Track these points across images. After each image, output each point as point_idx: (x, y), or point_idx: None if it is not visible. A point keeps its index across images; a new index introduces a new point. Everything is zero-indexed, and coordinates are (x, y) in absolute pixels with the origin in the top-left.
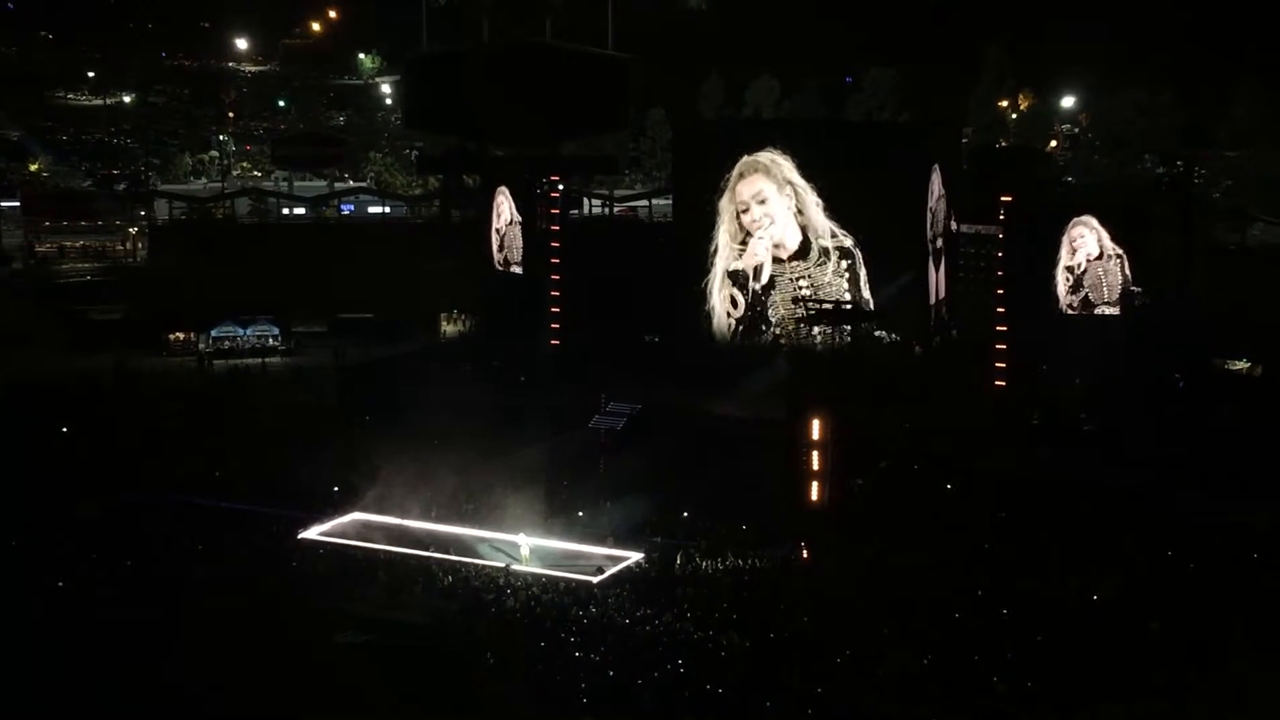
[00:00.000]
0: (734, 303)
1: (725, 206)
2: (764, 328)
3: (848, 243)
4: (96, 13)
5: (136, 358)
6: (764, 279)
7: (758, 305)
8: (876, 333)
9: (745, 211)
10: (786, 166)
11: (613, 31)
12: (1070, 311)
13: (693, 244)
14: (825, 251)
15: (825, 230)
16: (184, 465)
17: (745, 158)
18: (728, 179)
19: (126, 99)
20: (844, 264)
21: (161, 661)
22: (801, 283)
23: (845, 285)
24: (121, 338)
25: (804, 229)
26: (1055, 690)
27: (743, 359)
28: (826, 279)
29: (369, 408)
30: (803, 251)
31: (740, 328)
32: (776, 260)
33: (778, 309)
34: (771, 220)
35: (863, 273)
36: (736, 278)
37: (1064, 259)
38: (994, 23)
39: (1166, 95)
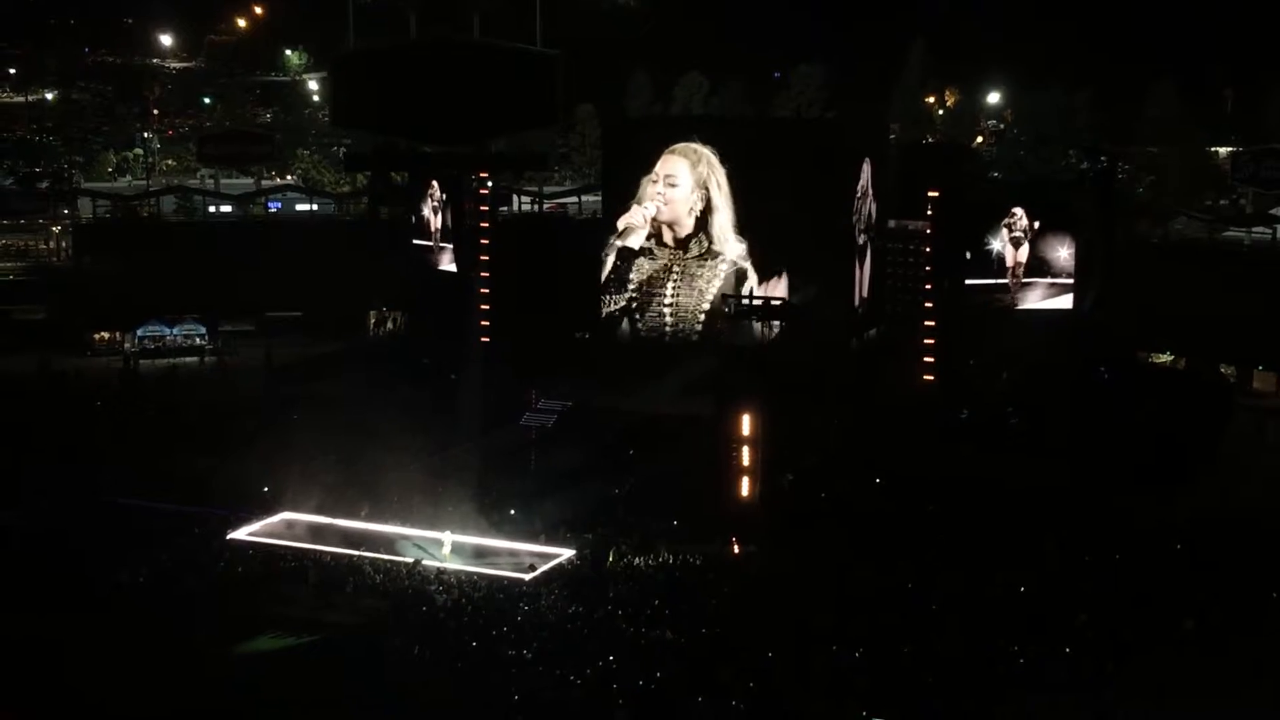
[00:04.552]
0: (614, 271)
1: (647, 180)
2: (617, 291)
3: (740, 250)
4: (17, 8)
5: (60, 358)
6: (630, 241)
7: (619, 262)
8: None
9: (654, 182)
10: (718, 172)
11: (540, 28)
12: (1016, 280)
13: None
14: (711, 253)
15: (722, 237)
16: (110, 466)
17: (681, 143)
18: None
19: (48, 96)
20: (722, 268)
21: (90, 667)
22: (675, 269)
23: (717, 284)
24: (45, 338)
25: (697, 226)
26: (983, 684)
27: (671, 355)
28: (702, 274)
29: (297, 406)
30: (685, 242)
31: (607, 293)
32: (660, 242)
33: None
34: (667, 202)
35: (749, 286)
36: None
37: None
38: (918, 20)
39: (1084, 93)
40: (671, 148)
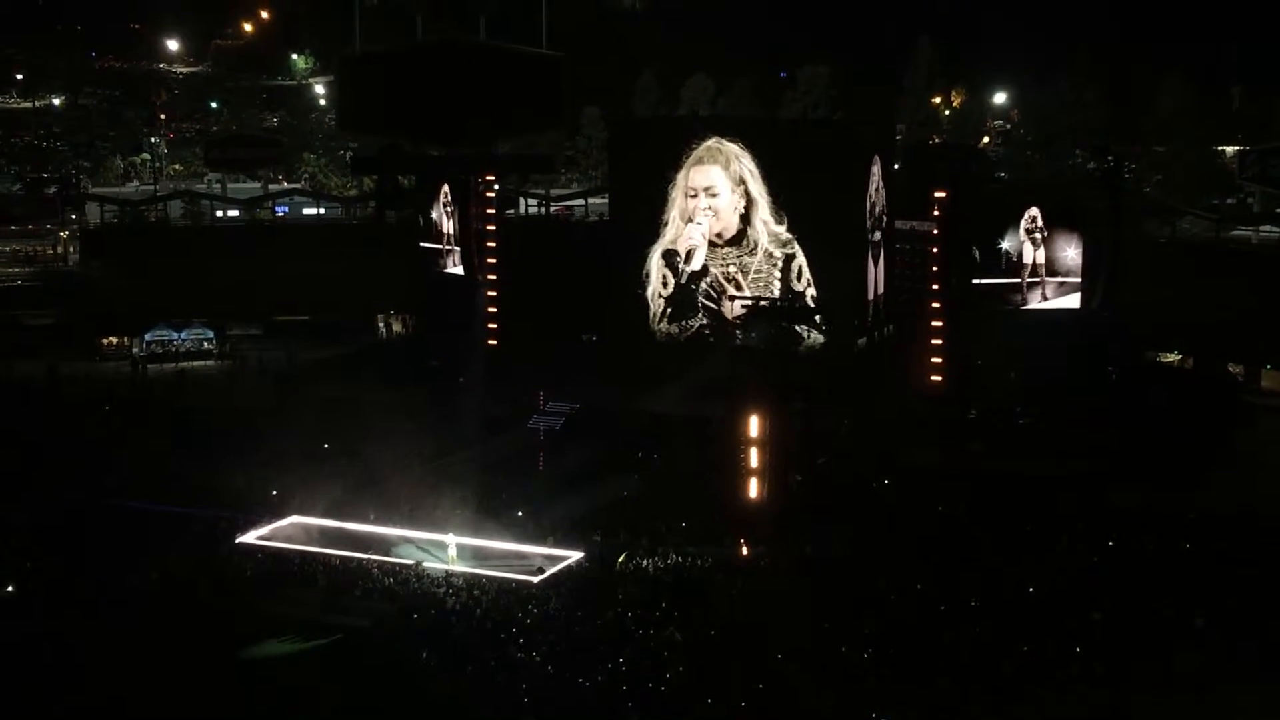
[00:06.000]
0: (664, 282)
1: (680, 181)
2: (690, 310)
3: (785, 235)
4: (24, 14)
5: (69, 363)
6: (695, 264)
7: (690, 286)
8: (813, 330)
9: (694, 197)
10: (746, 162)
11: (546, 30)
12: (1039, 279)
13: (629, 241)
14: (759, 244)
15: (765, 226)
16: (119, 470)
17: (710, 143)
18: (686, 159)
19: (56, 101)
20: (779, 253)
21: (98, 670)
22: (730, 268)
23: (776, 275)
24: (53, 343)
25: (743, 220)
26: (993, 683)
27: (680, 356)
28: (755, 267)
29: (306, 411)
30: (736, 239)
31: (669, 308)
32: (711, 245)
33: (710, 295)
34: (715, 214)
35: (798, 266)
36: (669, 257)
37: (1024, 226)
38: (924, 20)
39: (1092, 91)
40: (695, 155)
